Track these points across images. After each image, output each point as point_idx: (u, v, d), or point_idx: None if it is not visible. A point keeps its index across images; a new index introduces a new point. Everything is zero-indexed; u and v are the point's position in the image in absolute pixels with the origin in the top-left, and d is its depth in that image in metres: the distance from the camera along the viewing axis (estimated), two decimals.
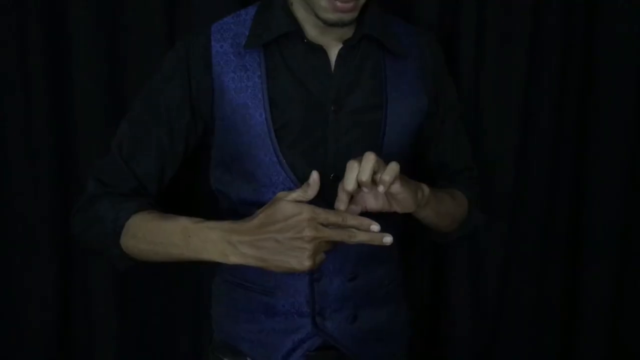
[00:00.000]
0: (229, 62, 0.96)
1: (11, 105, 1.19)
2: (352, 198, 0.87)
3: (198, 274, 1.28)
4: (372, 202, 0.90)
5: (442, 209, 1.00)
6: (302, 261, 0.82)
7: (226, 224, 0.87)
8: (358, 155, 0.86)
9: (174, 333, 1.33)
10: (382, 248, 1.02)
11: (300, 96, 0.96)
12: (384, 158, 0.91)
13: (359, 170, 0.83)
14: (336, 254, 0.98)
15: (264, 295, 1.01)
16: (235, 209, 1.02)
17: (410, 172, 1.05)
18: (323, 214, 0.83)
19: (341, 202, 0.86)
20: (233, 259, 0.85)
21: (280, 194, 0.85)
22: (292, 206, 0.83)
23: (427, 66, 1.04)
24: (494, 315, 1.37)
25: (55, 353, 1.29)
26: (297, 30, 0.95)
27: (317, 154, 0.96)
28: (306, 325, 1.00)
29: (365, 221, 0.84)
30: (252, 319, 1.02)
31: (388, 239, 0.85)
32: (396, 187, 0.85)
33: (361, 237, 0.84)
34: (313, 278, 0.99)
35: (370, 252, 1.01)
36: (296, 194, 0.85)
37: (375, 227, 0.84)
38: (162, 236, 0.90)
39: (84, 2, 1.16)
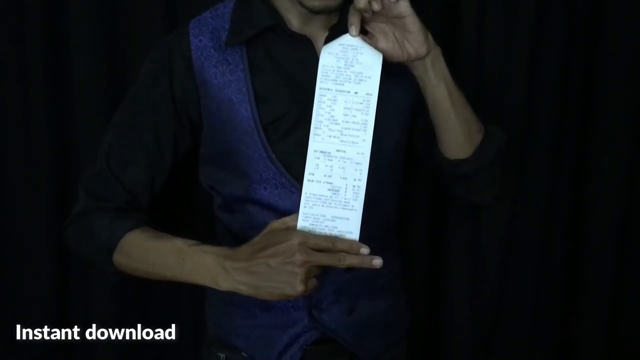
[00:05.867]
0: (210, 57, 0.95)
1: (9, 102, 1.20)
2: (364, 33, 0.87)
3: None
4: (383, 40, 0.88)
5: (456, 94, 0.95)
6: (294, 286, 0.83)
7: (221, 250, 0.88)
8: None
9: (175, 322, 1.31)
10: (379, 237, 1.02)
11: (289, 90, 0.95)
12: (378, 140, 0.91)
13: None
14: None
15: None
16: (229, 206, 1.01)
17: (405, 155, 1.06)
18: (313, 239, 0.84)
19: (353, 26, 0.85)
20: (224, 284, 0.86)
21: (273, 221, 0.87)
22: (283, 232, 0.85)
23: None
24: (493, 307, 1.36)
25: (54, 351, 1.29)
26: (279, 23, 0.94)
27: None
28: (302, 318, 0.99)
29: (355, 245, 0.85)
30: (247, 315, 1.01)
31: (378, 262, 0.86)
32: (405, 6, 0.84)
33: (351, 261, 0.85)
34: None
35: (366, 242, 0.99)
36: (289, 218, 0.87)
37: (365, 250, 0.86)
38: (156, 257, 0.91)
39: None
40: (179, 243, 0.90)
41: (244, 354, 1.02)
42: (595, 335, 1.38)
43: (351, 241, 0.86)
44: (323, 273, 0.97)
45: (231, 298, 1.02)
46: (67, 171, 1.24)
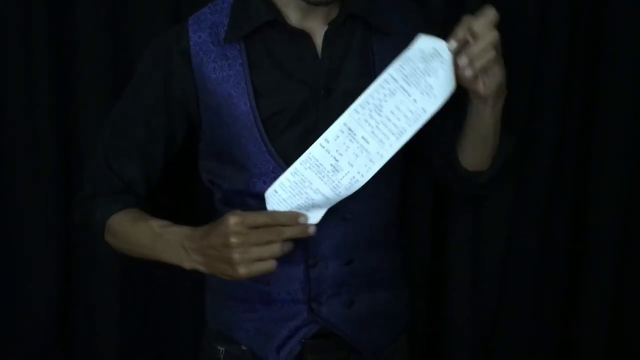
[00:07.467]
0: (209, 52, 0.95)
1: (13, 103, 1.20)
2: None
3: None
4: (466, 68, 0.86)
5: (498, 122, 0.96)
6: (235, 269, 0.83)
7: (184, 230, 0.90)
8: None
9: (175, 325, 1.33)
10: (379, 231, 1.03)
11: (287, 84, 0.95)
12: None
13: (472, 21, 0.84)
14: (332, 239, 0.97)
15: (259, 284, 1.01)
16: (229, 200, 1.02)
17: (404, 151, 1.06)
18: (251, 217, 0.83)
19: (454, 40, 0.85)
20: (186, 264, 0.89)
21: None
22: (227, 214, 0.84)
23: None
24: (493, 306, 1.36)
25: (55, 345, 1.29)
26: (278, 18, 0.94)
27: (310, 140, 0.93)
28: (302, 312, 0.99)
29: (294, 215, 0.86)
30: (248, 308, 1.02)
31: (312, 229, 0.86)
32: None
33: (289, 233, 0.85)
34: (308, 264, 0.98)
35: (366, 236, 1.00)
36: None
37: (303, 219, 0.86)
38: (134, 237, 0.95)
39: None
40: (153, 224, 0.94)
41: (243, 347, 1.03)
42: (595, 335, 1.37)
43: (290, 212, 0.85)
44: (323, 266, 0.97)
45: (231, 292, 1.04)
46: (70, 170, 1.25)
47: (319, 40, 0.96)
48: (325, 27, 0.96)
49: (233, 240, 0.82)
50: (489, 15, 0.84)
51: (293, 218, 0.85)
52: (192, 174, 1.11)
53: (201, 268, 0.87)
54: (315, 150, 0.85)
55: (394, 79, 0.85)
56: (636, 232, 1.36)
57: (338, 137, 0.84)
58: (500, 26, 1.22)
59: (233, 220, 0.82)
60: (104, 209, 0.99)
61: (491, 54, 0.84)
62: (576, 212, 1.36)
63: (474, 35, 0.84)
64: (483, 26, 0.83)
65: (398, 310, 1.10)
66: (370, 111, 0.84)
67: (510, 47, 1.24)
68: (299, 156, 0.89)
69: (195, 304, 1.29)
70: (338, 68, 0.96)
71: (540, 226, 1.35)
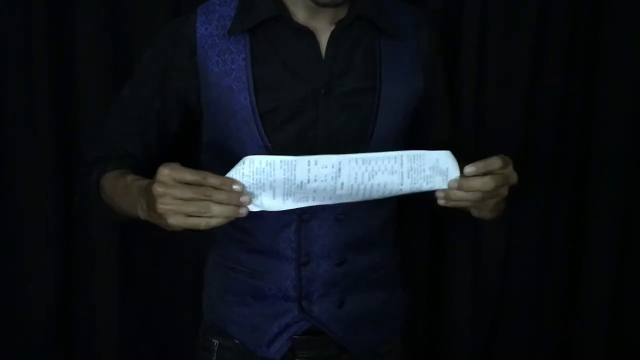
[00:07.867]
0: (214, 46, 0.96)
1: (13, 98, 1.21)
2: None
3: (199, 261, 1.28)
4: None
5: None
6: (165, 219, 0.80)
7: (147, 181, 0.86)
8: (350, 138, 0.86)
9: (175, 325, 1.34)
10: (375, 232, 1.02)
11: (288, 81, 0.95)
12: (376, 141, 0.92)
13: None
14: (324, 239, 0.98)
15: (253, 279, 1.01)
16: None
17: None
18: (181, 172, 0.79)
19: (444, 198, 0.88)
20: (140, 213, 0.87)
21: None
22: (162, 164, 0.82)
23: (422, 45, 1.02)
24: (494, 306, 1.36)
25: (55, 345, 1.30)
26: (283, 14, 0.94)
27: (308, 138, 0.95)
28: (292, 309, 1.00)
29: (228, 181, 0.81)
30: (241, 302, 1.03)
31: (245, 199, 0.81)
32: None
33: (218, 196, 0.80)
34: (300, 262, 0.98)
35: (360, 237, 1.01)
36: None
37: (237, 187, 0.81)
38: (113, 191, 0.94)
39: None
40: (129, 178, 0.92)
41: (236, 341, 1.03)
42: (595, 335, 1.37)
43: (226, 177, 0.82)
44: (314, 265, 0.97)
45: (227, 286, 1.05)
46: (70, 170, 1.25)
47: (324, 39, 0.95)
48: (332, 27, 0.95)
49: (157, 189, 0.79)
50: (484, 182, 0.85)
51: (227, 183, 0.80)
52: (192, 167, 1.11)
53: (148, 218, 0.85)
54: (300, 162, 0.83)
55: (402, 163, 0.85)
56: (636, 232, 1.36)
57: (326, 167, 0.83)
58: (499, 28, 1.25)
59: (163, 170, 0.79)
60: (98, 169, 0.99)
61: (466, 203, 0.87)
62: (576, 212, 1.36)
63: (461, 185, 0.85)
64: (472, 185, 0.85)
65: (394, 311, 1.10)
66: (365, 171, 0.84)
67: (510, 47, 1.26)
68: (295, 153, 0.87)
69: (195, 304, 1.28)
70: (341, 68, 0.96)
71: (540, 226, 1.35)
